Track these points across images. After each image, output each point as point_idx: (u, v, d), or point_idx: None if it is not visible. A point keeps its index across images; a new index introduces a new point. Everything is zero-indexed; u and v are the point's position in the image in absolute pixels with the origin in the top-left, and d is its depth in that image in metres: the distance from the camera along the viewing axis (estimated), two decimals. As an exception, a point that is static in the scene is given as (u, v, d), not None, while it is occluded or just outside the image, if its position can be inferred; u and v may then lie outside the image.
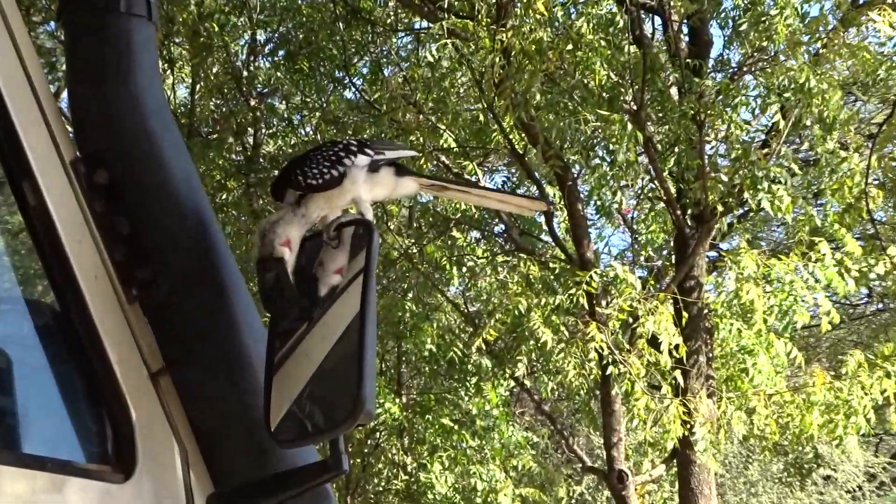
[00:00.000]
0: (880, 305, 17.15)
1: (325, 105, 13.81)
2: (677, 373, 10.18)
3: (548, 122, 10.27)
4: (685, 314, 10.48)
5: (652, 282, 11.08)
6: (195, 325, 1.91)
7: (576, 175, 11.29)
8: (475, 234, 14.50)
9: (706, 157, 10.26)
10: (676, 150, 10.43)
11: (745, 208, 11.47)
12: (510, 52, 9.75)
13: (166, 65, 13.24)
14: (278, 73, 13.78)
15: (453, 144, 12.30)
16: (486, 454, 13.96)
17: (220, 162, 13.46)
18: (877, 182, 10.99)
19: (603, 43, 9.97)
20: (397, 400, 14.33)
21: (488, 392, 13.82)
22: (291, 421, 1.83)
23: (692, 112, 9.89)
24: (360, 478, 15.64)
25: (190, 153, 2.02)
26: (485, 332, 11.78)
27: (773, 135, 10.56)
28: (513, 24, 9.73)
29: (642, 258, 13.01)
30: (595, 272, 10.27)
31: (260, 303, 2.05)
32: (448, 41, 10.36)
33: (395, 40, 13.77)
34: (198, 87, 14.16)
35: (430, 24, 11.14)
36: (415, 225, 14.74)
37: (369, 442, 15.65)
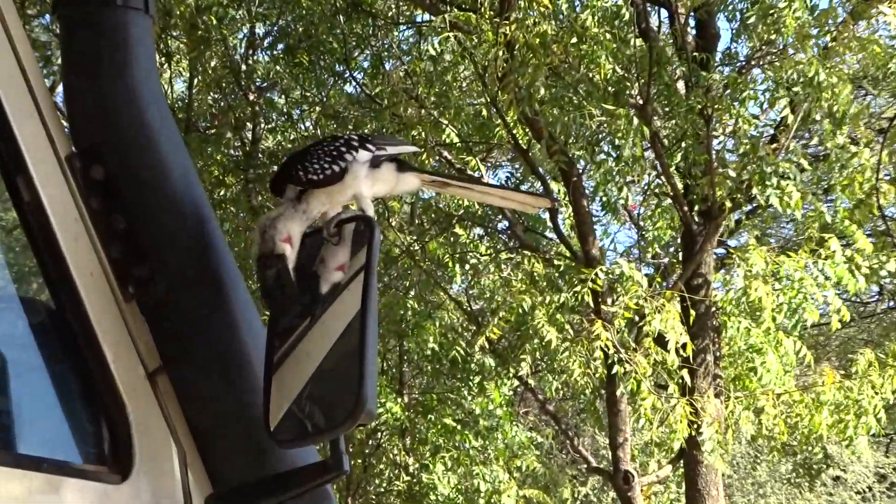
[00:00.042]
0: (891, 303, 17.13)
1: (325, 99, 13.82)
2: (684, 372, 10.17)
3: (552, 116, 10.27)
4: (692, 312, 10.48)
5: (658, 279, 11.09)
6: (193, 323, 1.91)
7: (581, 170, 11.29)
8: (478, 230, 14.50)
9: (714, 152, 10.26)
10: (683, 145, 10.43)
11: (754, 204, 11.48)
12: (514, 45, 9.75)
13: (163, 58, 13.24)
14: (277, 67, 13.78)
15: (456, 139, 12.31)
16: (490, 455, 13.98)
17: (219, 157, 13.48)
18: (888, 177, 10.96)
19: (608, 36, 9.97)
20: (399, 399, 14.35)
21: (491, 391, 13.84)
22: (291, 421, 1.83)
23: (699, 106, 9.89)
24: (362, 479, 15.66)
25: (187, 148, 2.02)
26: (488, 330, 11.79)
27: (781, 129, 10.55)
28: (516, 16, 9.73)
29: (649, 255, 13.01)
30: (600, 269, 10.27)
31: (259, 301, 2.05)
32: (450, 34, 10.36)
33: (396, 33, 13.79)
34: (195, 81, 14.16)
35: (433, 17, 11.15)
36: (417, 221, 14.75)
37: (370, 442, 15.66)
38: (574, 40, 9.93)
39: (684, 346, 9.91)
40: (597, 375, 11.22)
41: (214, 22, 12.41)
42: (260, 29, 14.30)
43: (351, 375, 1.75)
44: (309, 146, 2.08)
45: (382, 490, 15.57)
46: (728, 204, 10.15)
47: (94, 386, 1.81)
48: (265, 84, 14.61)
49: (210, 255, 1.94)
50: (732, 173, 10.21)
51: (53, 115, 1.83)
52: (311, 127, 14.26)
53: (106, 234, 1.86)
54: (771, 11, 9.71)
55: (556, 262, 11.83)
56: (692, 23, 11.21)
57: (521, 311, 11.30)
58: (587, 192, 11.23)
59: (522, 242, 12.99)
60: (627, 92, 10.35)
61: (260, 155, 14.08)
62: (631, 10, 9.97)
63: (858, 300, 15.38)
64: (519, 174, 14.56)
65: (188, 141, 11.48)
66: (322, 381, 1.85)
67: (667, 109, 10.73)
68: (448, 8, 10.68)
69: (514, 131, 11.33)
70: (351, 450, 14.61)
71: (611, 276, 10.47)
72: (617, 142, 10.11)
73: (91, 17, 1.92)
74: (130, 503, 1.78)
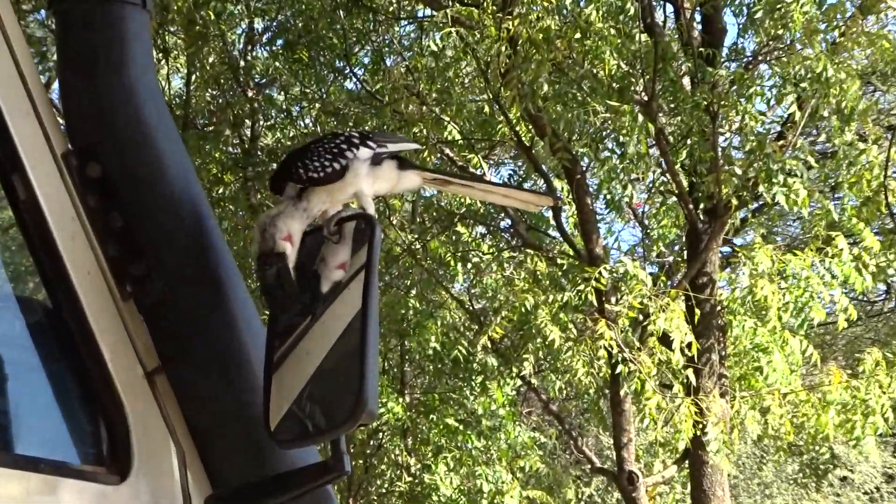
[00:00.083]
0: (899, 302, 17.13)
1: (325, 96, 13.80)
2: (689, 371, 10.18)
3: (556, 113, 10.27)
4: (697, 311, 10.47)
5: (663, 278, 11.07)
6: (191, 322, 1.91)
7: (585, 168, 11.29)
8: (480, 229, 14.49)
9: (720, 149, 10.24)
10: (689, 142, 10.42)
11: (760, 202, 11.49)
12: (517, 40, 9.75)
13: (161, 54, 13.22)
14: (276, 63, 13.76)
15: (458, 137, 12.29)
16: (493, 455, 13.98)
17: (217, 155, 13.46)
18: (896, 174, 10.97)
19: (613, 31, 9.96)
20: (400, 399, 14.35)
21: (494, 391, 13.83)
22: (291, 421, 1.84)
23: (705, 103, 9.88)
24: (363, 479, 15.66)
25: (185, 146, 2.02)
26: (490, 329, 11.78)
27: (788, 126, 10.56)
28: (519, 11, 9.72)
29: (653, 254, 13.02)
30: (604, 268, 10.26)
31: (258, 300, 2.05)
32: (452, 30, 10.36)
33: (397, 29, 13.77)
34: (193, 77, 14.15)
35: (434, 12, 11.13)
36: (418, 220, 14.74)
37: (372, 442, 15.66)
38: (578, 35, 9.93)
39: (689, 345, 9.91)
40: (600, 375, 11.23)
41: (212, 17, 12.39)
42: (259, 24, 14.29)
43: (352, 375, 1.76)
44: (309, 143, 2.09)
45: (384, 491, 15.57)
46: (734, 202, 10.15)
47: (92, 386, 1.81)
48: (264, 80, 14.60)
49: (209, 254, 1.94)
50: (738, 171, 10.19)
51: (49, 113, 1.83)
52: (310, 124, 14.26)
53: (103, 233, 1.86)
54: (778, 6, 9.69)
55: (559, 260, 11.83)
56: (698, 18, 11.20)
57: (523, 310, 11.28)
58: (591, 189, 11.22)
59: (525, 241, 12.97)
60: (632, 88, 10.35)
61: (259, 152, 14.07)
62: (636, 4, 9.96)
63: (865, 299, 15.36)
64: (522, 172, 14.56)
65: (186, 138, 11.48)
66: (323, 380, 1.85)
67: (672, 106, 10.71)
68: (450, 3, 10.67)
69: (517, 128, 11.32)
70: (352, 450, 14.61)
71: (615, 274, 10.47)
72: (621, 139, 10.09)
73: (87, 12, 1.92)
74: (129, 504, 1.78)
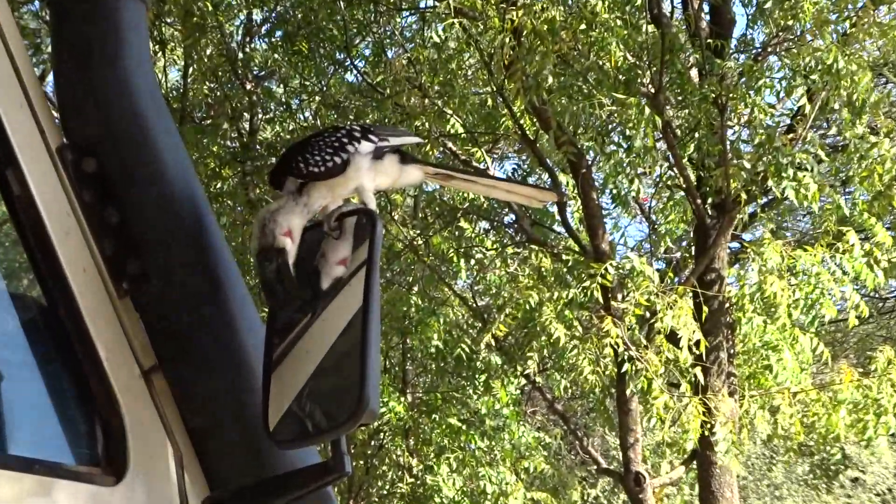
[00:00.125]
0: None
1: (325, 89, 13.81)
2: (697, 370, 10.17)
3: (560, 106, 10.26)
4: (705, 308, 10.47)
5: (671, 274, 11.09)
6: (189, 320, 1.91)
7: (590, 162, 11.28)
8: (484, 224, 14.51)
9: (728, 142, 10.25)
10: (697, 135, 10.42)
11: (769, 197, 11.46)
12: (521, 32, 9.75)
13: (157, 46, 13.23)
14: (276, 55, 13.75)
15: (461, 130, 12.30)
16: (496, 455, 13.99)
17: (215, 149, 13.47)
18: (908, 168, 10.95)
19: (619, 22, 9.96)
20: (402, 399, 14.36)
21: (498, 390, 13.84)
22: (291, 420, 1.83)
23: (713, 95, 9.88)
24: (364, 480, 15.68)
25: (182, 140, 2.02)
26: (494, 327, 11.79)
27: (798, 119, 10.54)
28: (524, 2, 9.72)
29: (661, 249, 13.01)
30: (610, 264, 10.27)
31: (257, 297, 2.05)
32: (455, 20, 10.37)
33: (399, 20, 13.76)
34: (191, 69, 14.15)
35: (437, 3, 11.13)
36: (420, 215, 14.75)
37: (373, 443, 15.68)
38: (583, 26, 9.93)
39: (697, 343, 9.91)
40: (607, 374, 11.22)
41: (210, 8, 12.40)
42: (257, 15, 14.30)
43: (353, 374, 1.75)
44: (309, 137, 2.09)
45: (385, 492, 15.59)
46: (743, 196, 10.14)
47: (88, 385, 1.81)
48: (263, 73, 14.59)
49: (207, 251, 1.94)
50: (747, 164, 10.19)
51: (44, 106, 1.83)
52: (310, 117, 14.25)
53: (99, 229, 1.86)
54: (788, -4, 9.71)
55: (564, 256, 11.83)
56: (706, 8, 11.21)
57: (528, 307, 11.29)
58: (597, 184, 11.23)
59: (530, 236, 12.97)
60: (639, 80, 10.35)
61: (258, 146, 14.07)
62: (642, -6, 9.98)
63: (877, 296, 15.38)
64: (526, 166, 14.55)
65: (183, 132, 11.49)
66: (323, 379, 1.85)
67: (680, 98, 10.72)
68: (452, -7, 10.67)
69: (521, 121, 11.33)
70: (352, 451, 14.63)
71: (621, 271, 10.48)
72: (628, 132, 10.09)
73: (82, 3, 1.92)
74: (124, 506, 1.78)
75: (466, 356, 13.47)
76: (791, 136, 10.35)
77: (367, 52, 13.74)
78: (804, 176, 9.54)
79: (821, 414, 10.52)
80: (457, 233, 13.67)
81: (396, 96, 12.30)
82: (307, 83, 13.96)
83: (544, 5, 9.68)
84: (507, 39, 9.75)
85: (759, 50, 11.86)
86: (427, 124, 11.88)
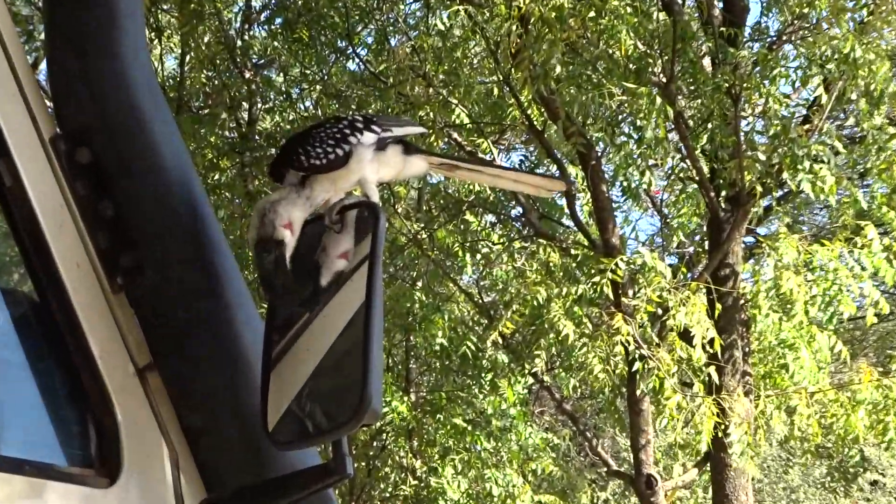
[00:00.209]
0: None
1: (326, 77, 13.81)
2: (711, 369, 10.18)
3: (569, 95, 10.27)
4: (719, 305, 10.47)
5: (683, 270, 11.09)
6: (185, 317, 1.91)
7: (600, 153, 11.27)
8: (490, 217, 14.49)
9: (742, 133, 10.24)
10: (710, 126, 10.42)
11: (785, 190, 11.46)
12: (528, 19, 9.74)
13: (154, 34, 13.23)
14: (275, 43, 13.75)
15: (466, 120, 12.29)
16: (503, 457, 14.00)
17: (213, 139, 13.48)
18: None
19: (629, 9, 9.96)
20: (406, 398, 14.37)
21: (504, 390, 13.84)
22: (291, 421, 1.83)
23: (727, 85, 9.87)
24: (366, 483, 15.69)
25: (179, 130, 2.02)
26: (501, 324, 11.79)
27: (814, 110, 10.54)
28: (531, -12, 9.72)
29: (673, 244, 13.00)
30: (621, 259, 10.27)
31: (256, 292, 2.05)
32: (460, 7, 10.36)
33: (402, 6, 13.76)
34: (188, 57, 14.16)
35: (441, -11, 11.13)
36: (424, 208, 14.75)
37: (375, 444, 15.68)
38: (592, 14, 9.92)
39: (711, 341, 9.91)
40: (617, 372, 11.22)
41: (208, -6, 12.42)
42: (256, 2, 14.32)
43: (354, 372, 1.75)
44: (310, 128, 2.09)
45: (388, 495, 15.60)
46: (758, 189, 10.14)
47: (80, 383, 1.81)
48: (262, 61, 14.61)
49: (204, 245, 1.94)
50: (762, 156, 10.18)
51: (36, 95, 1.83)
52: (311, 107, 14.26)
53: (93, 222, 1.86)
54: (804, -18, 9.70)
55: (573, 251, 11.83)
56: (719, -5, 11.20)
57: (535, 303, 11.30)
58: (607, 176, 11.22)
59: (537, 230, 12.97)
60: (650, 69, 10.35)
61: (257, 137, 14.07)
62: (654, -19, 9.98)
63: (897, 292, 15.36)
64: (533, 157, 14.56)
65: (180, 122, 11.49)
66: (324, 378, 1.85)
67: (692, 88, 10.71)
68: (458, -21, 10.67)
69: (529, 112, 11.32)
70: (354, 452, 14.61)
71: (632, 266, 10.48)
72: (638, 123, 10.10)
73: (76, -11, 1.92)
74: (119, 508, 1.78)
75: (472, 354, 13.47)
76: (807, 127, 10.34)
77: (370, 39, 13.74)
78: (820, 168, 9.54)
79: (839, 414, 10.52)
80: (462, 226, 13.67)
81: (400, 85, 12.29)
82: (308, 72, 13.96)
83: (552, -8, 9.68)
84: (514, 27, 9.74)
85: (774, 38, 11.85)
86: (431, 114, 11.87)
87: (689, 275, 11.30)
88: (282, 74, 14.55)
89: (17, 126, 1.78)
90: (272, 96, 14.57)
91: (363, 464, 15.38)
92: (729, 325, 10.80)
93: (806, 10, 10.51)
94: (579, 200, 12.20)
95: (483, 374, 14.08)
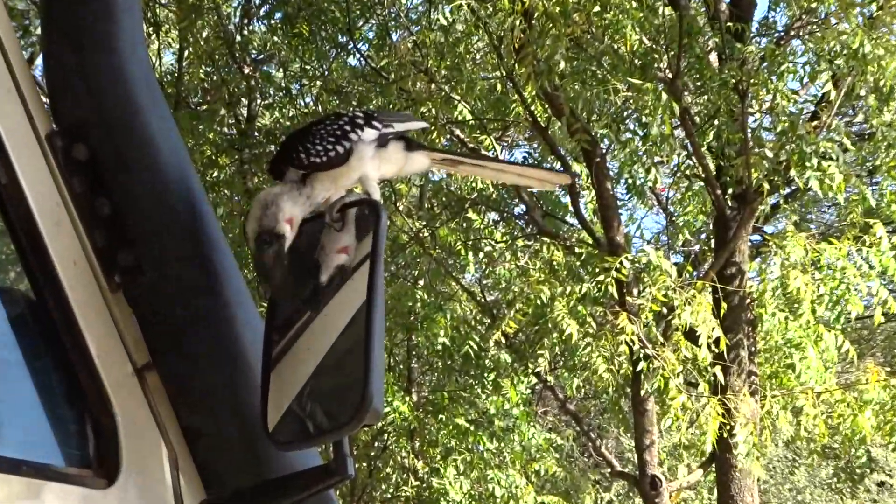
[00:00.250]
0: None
1: (326, 73, 13.81)
2: (717, 369, 10.17)
3: (573, 91, 10.26)
4: (725, 304, 10.48)
5: (689, 268, 11.09)
6: (184, 315, 1.91)
7: (605, 150, 11.29)
8: (493, 215, 14.50)
9: (749, 130, 10.24)
10: (716, 122, 10.41)
11: (793, 187, 11.46)
12: (532, 14, 9.74)
13: (151, 28, 13.23)
14: (275, 38, 13.76)
15: (468, 116, 12.30)
16: (505, 458, 13.99)
17: (211, 136, 13.47)
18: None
19: (634, 4, 9.95)
20: (407, 398, 14.36)
21: (507, 390, 13.84)
22: (291, 421, 1.83)
23: (734, 81, 9.87)
24: (367, 483, 15.70)
25: (177, 126, 2.02)
26: (504, 323, 11.79)
27: (823, 106, 10.52)
28: (535, -18, 9.72)
29: (678, 242, 13.00)
30: (626, 258, 10.27)
31: (256, 290, 2.05)
32: (463, 2, 10.35)
33: (404, 1, 13.76)
34: (186, 53, 14.15)
35: (444, -17, 11.13)
36: (426, 205, 14.75)
37: (376, 444, 15.69)
38: (597, 9, 9.93)
39: (717, 340, 9.91)
40: (621, 372, 11.23)
41: (207, -12, 12.42)
42: (256, -4, 14.31)
43: (356, 372, 1.75)
44: (310, 125, 2.08)
45: (389, 496, 15.61)
46: (765, 187, 10.13)
47: (78, 383, 1.81)
48: (262, 56, 14.60)
49: (202, 242, 1.93)
50: (769, 153, 10.18)
51: (32, 91, 1.83)
52: (311, 103, 14.26)
53: (90, 220, 1.86)
54: (812, -23, 9.70)
55: (577, 249, 11.83)
56: (726, -11, 11.19)
57: (539, 302, 11.30)
58: (611, 173, 11.23)
59: (541, 228, 12.97)
60: (655, 65, 10.34)
61: (256, 133, 14.07)
62: (659, -25, 9.97)
63: (906, 291, 15.36)
64: (537, 154, 14.55)
65: (178, 118, 11.49)
66: (324, 377, 1.85)
67: (698, 84, 10.71)
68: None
69: (532, 108, 11.33)
70: (355, 452, 14.64)
71: (637, 264, 10.48)
72: (644, 119, 10.09)
73: (73, -17, 1.92)
74: (117, 509, 1.78)
75: (474, 353, 13.47)
76: (815, 123, 10.34)
77: (371, 34, 13.71)
78: (829, 165, 9.53)
79: (846, 415, 10.52)
80: (465, 224, 13.67)
81: (401, 81, 12.29)
82: (308, 67, 13.97)
83: (557, -14, 9.68)
84: (518, 22, 9.74)
85: (782, 33, 11.86)
86: (433, 111, 11.86)
87: (694, 273, 11.31)
88: (281, 70, 14.56)
89: (12, 122, 1.77)
90: (272, 92, 14.57)
91: (364, 464, 15.39)
92: (735, 325, 10.80)
93: (814, 5, 10.51)
94: (584, 198, 12.19)
95: (486, 374, 14.08)
